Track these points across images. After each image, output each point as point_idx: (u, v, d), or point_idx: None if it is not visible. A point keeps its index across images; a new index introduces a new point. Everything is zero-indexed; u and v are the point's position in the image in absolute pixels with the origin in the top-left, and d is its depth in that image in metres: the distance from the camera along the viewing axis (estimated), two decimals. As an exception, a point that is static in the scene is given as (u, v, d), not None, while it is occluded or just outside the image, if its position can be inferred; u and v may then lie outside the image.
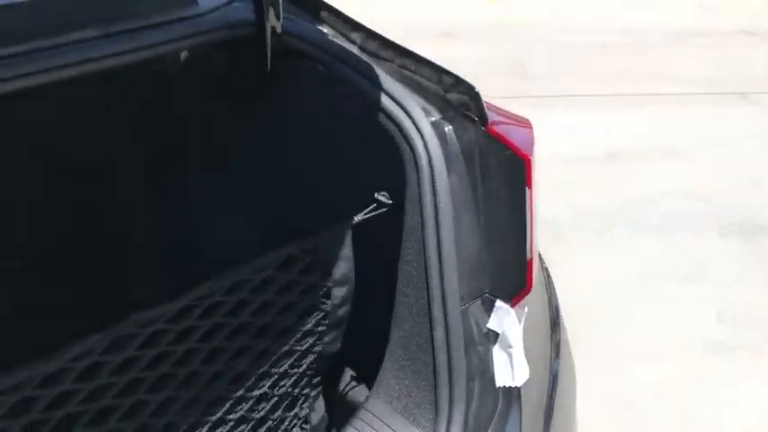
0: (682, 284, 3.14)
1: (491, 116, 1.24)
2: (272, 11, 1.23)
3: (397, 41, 1.34)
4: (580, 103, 5.08)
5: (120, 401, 1.06)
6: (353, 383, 1.56)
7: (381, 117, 1.23)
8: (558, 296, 1.62)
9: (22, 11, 1.11)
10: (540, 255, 1.60)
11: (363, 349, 1.37)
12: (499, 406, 1.25)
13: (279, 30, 1.26)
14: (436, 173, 1.18)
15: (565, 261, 3.05)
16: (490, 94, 1.40)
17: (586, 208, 3.78)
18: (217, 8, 1.29)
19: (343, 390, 1.55)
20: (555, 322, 1.47)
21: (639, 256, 3.37)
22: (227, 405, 1.20)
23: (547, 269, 1.61)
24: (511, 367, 1.26)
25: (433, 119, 1.24)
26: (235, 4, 1.29)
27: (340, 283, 1.29)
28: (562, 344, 1.44)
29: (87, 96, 1.54)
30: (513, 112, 1.43)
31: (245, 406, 1.24)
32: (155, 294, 1.09)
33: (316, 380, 1.39)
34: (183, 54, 1.49)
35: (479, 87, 1.24)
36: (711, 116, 4.87)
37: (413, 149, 1.19)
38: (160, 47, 1.24)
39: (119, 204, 1.74)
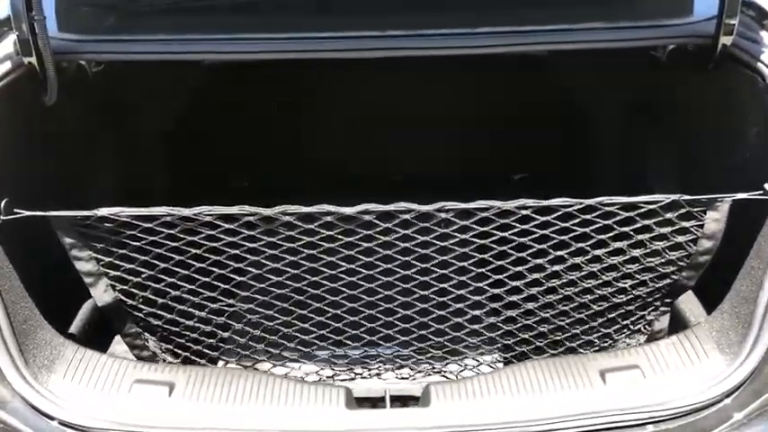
0: None
1: None
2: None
3: None
4: None
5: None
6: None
7: None
8: None
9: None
10: None
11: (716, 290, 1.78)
12: None
13: (728, 44, 1.70)
14: None
15: None
16: None
17: None
18: (697, 21, 1.80)
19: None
20: None
21: None
22: (598, 283, 1.79)
23: None
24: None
25: None
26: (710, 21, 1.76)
27: (709, 238, 1.72)
28: None
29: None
30: None
31: (609, 290, 1.81)
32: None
33: (666, 300, 1.87)
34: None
35: None
36: None
37: None
38: (650, 41, 1.83)
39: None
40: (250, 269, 1.76)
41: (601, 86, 2.38)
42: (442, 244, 1.71)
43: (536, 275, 1.77)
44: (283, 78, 2.52)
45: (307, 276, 1.75)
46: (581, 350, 1.91)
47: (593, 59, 2.03)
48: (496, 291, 1.79)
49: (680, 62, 1.87)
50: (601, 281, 1.80)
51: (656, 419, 1.52)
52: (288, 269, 1.74)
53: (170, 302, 1.80)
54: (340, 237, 1.68)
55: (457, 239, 1.70)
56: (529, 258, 1.74)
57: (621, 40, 1.81)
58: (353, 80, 2.45)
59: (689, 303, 1.85)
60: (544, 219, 1.67)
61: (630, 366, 1.62)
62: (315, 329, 1.84)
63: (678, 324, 1.86)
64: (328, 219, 1.62)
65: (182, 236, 1.68)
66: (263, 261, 1.73)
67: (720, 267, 1.73)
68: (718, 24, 1.71)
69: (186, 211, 1.61)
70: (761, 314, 1.56)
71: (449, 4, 1.89)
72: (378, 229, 1.66)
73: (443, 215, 1.64)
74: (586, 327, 1.90)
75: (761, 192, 1.64)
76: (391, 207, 1.62)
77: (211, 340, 1.89)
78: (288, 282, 1.76)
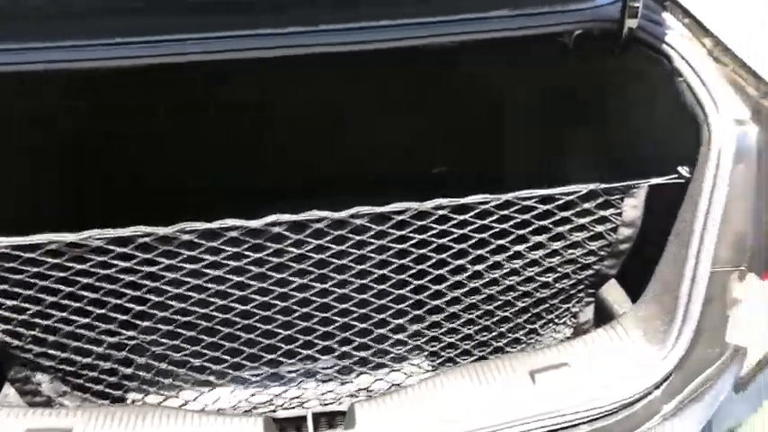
0: None
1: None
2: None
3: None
4: None
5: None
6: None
7: (696, 108, 1.57)
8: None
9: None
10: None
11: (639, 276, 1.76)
12: (723, 357, 1.55)
13: (634, 26, 1.67)
14: (722, 162, 1.51)
15: None
16: None
17: None
18: (602, 5, 1.76)
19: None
20: None
21: None
22: (520, 279, 1.73)
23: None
24: (745, 330, 1.54)
25: (741, 117, 1.54)
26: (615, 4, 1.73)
27: (628, 225, 1.69)
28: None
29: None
30: None
31: (531, 285, 1.75)
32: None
33: (590, 290, 1.84)
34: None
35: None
36: None
37: (710, 139, 1.53)
38: (555, 27, 1.76)
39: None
40: (151, 296, 1.61)
41: (508, 76, 2.32)
42: (358, 252, 1.61)
43: (458, 277, 1.70)
44: (206, 80, 2.33)
45: (215, 300, 1.61)
46: (508, 348, 1.85)
47: (500, 48, 1.97)
48: (418, 297, 1.71)
49: (587, 48, 1.83)
50: (523, 277, 1.75)
51: (590, 419, 1.47)
52: (192, 293, 1.60)
53: (62, 340, 1.63)
54: (248, 253, 1.56)
55: (375, 245, 1.60)
56: (450, 260, 1.67)
57: (526, 28, 1.75)
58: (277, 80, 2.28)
59: (612, 292, 1.82)
60: (462, 217, 1.59)
61: (560, 364, 1.56)
62: (228, 357, 1.70)
63: (603, 313, 1.82)
64: (234, 234, 1.50)
65: (72, 264, 1.51)
66: (164, 286, 1.59)
67: (642, 254, 1.70)
68: (623, 7, 1.68)
69: (71, 236, 1.44)
70: (684, 300, 1.53)
71: None
72: (290, 242, 1.55)
73: (358, 222, 1.54)
74: (512, 324, 1.84)
75: (675, 175, 1.62)
76: (302, 216, 1.51)
77: (113, 378, 1.72)
78: (194, 307, 1.62)
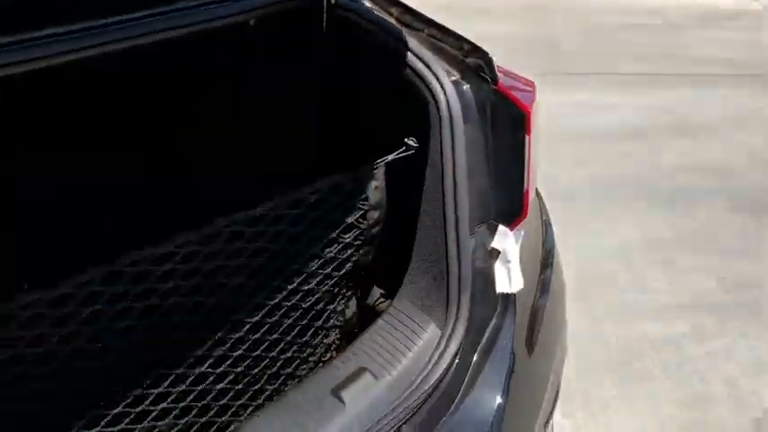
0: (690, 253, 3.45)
1: (501, 78, 1.56)
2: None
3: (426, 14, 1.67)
4: (607, 82, 5.34)
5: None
6: (382, 299, 1.93)
7: (413, 76, 1.55)
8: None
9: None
10: (542, 207, 1.92)
11: (392, 267, 1.70)
12: (498, 308, 1.58)
13: (333, 1, 1.59)
14: (455, 121, 1.51)
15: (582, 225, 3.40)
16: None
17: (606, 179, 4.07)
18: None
19: (374, 303, 1.91)
20: (546, 262, 1.80)
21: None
22: (284, 293, 1.55)
23: (548, 220, 1.94)
24: (508, 278, 1.59)
25: (454, 78, 1.56)
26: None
27: (374, 208, 1.62)
28: (552, 269, 1.78)
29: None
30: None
31: (297, 297, 1.59)
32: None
33: (351, 283, 1.74)
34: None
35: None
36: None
37: (437, 102, 1.52)
38: (231, 17, 1.55)
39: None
40: None
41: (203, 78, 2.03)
42: None
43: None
44: None
45: None
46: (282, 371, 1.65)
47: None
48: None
49: (294, 36, 1.70)
50: (286, 292, 1.57)
51: (404, 421, 1.38)
52: None
53: None
54: None
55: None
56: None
57: (212, 20, 1.51)
58: None
59: (375, 293, 1.75)
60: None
61: (358, 372, 1.45)
62: None
63: (365, 301, 1.74)
64: None
65: None
66: None
67: (399, 237, 1.65)
68: None
69: None
70: (455, 268, 1.52)
71: None
72: None
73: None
74: (282, 345, 1.66)
75: (404, 148, 1.59)
76: None
77: None
78: None
